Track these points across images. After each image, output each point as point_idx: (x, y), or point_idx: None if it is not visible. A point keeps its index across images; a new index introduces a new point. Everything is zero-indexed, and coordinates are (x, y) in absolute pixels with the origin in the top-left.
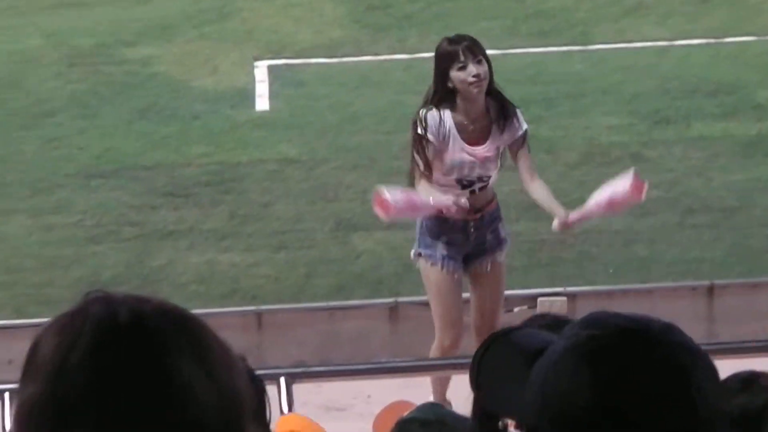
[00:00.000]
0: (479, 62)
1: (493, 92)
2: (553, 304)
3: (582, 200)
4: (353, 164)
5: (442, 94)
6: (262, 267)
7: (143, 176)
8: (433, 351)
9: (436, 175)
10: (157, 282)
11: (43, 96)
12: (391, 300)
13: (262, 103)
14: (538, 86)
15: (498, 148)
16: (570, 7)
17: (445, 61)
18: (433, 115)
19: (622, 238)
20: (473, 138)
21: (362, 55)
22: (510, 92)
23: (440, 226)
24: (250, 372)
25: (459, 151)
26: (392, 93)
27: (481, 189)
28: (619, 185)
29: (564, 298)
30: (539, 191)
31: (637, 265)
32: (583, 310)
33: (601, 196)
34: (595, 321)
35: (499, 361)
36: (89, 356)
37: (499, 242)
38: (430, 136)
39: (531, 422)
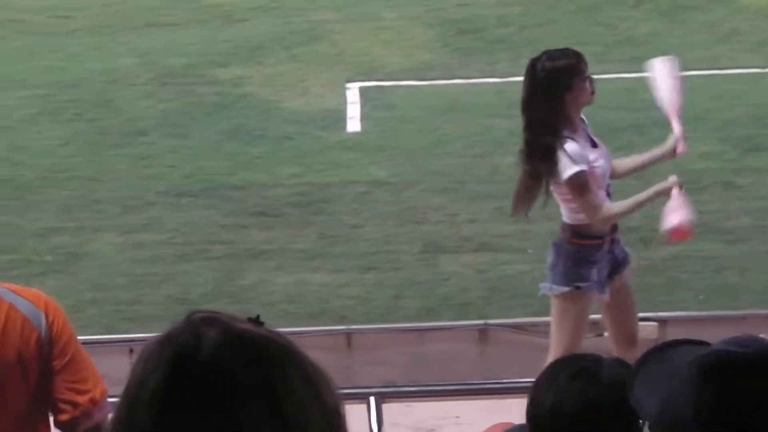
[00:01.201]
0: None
1: None
2: (644, 329)
3: None
4: (442, 187)
5: (561, 116)
6: (350, 288)
7: (233, 196)
8: None
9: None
10: (246, 301)
11: (135, 115)
12: (480, 322)
13: (353, 125)
14: (630, 113)
15: None
16: (662, 34)
17: (566, 76)
18: (573, 148)
19: (712, 265)
20: (589, 144)
21: (452, 78)
22: (601, 118)
23: (594, 253)
24: None
25: (601, 158)
26: (482, 117)
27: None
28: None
29: (655, 324)
30: (628, 160)
31: (728, 292)
32: (672, 336)
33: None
34: (737, 341)
35: (652, 370)
36: (159, 393)
37: (626, 255)
38: (584, 168)
39: (655, 426)
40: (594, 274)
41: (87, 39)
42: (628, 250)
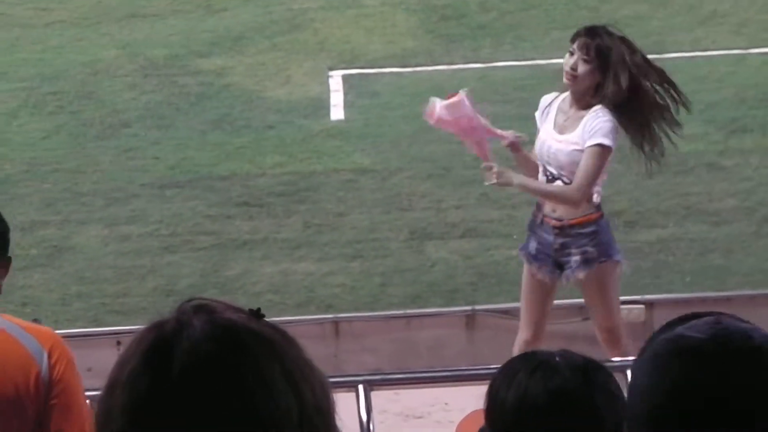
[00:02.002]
0: (586, 61)
1: (604, 100)
2: (631, 312)
3: (657, 210)
4: (427, 174)
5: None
6: (337, 276)
7: (218, 186)
8: (514, 346)
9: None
10: (232, 291)
11: (118, 107)
12: (468, 308)
13: (336, 113)
14: None
15: (571, 151)
16: (644, 16)
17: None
18: (546, 98)
19: (698, 247)
20: (562, 127)
21: (436, 65)
22: None
23: (533, 223)
24: None
25: (545, 134)
26: None
27: None
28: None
29: (642, 306)
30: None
31: (714, 274)
32: (660, 318)
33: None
34: (695, 326)
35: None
36: (135, 376)
37: (586, 261)
38: (536, 114)
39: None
40: (530, 244)
41: (68, 31)
42: (595, 258)
